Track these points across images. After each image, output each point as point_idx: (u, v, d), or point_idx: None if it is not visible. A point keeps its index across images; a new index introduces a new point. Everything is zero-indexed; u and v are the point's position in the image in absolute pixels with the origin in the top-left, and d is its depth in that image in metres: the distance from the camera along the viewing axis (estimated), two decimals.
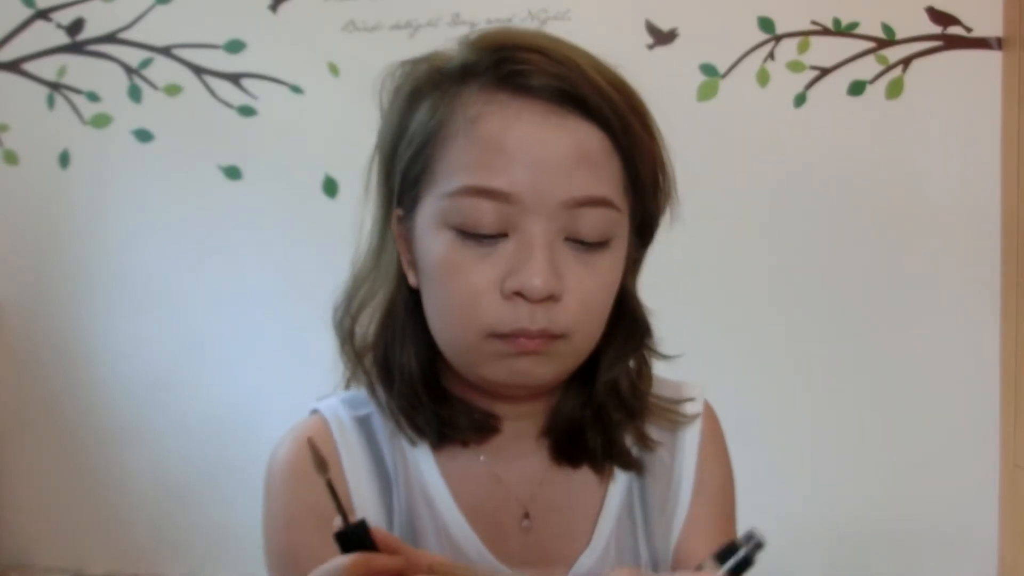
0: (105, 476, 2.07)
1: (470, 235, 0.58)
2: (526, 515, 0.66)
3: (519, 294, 0.57)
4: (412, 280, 0.63)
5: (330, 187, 1.95)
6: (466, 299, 0.58)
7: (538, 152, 0.57)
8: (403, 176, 0.62)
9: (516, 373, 0.60)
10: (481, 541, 0.64)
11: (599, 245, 0.60)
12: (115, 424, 2.06)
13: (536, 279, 0.56)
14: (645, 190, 0.62)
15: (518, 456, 0.67)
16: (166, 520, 2.07)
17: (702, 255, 1.78)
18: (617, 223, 0.60)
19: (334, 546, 0.49)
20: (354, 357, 0.66)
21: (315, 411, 0.68)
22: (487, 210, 0.57)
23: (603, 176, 0.59)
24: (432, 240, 0.60)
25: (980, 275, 1.80)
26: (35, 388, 2.09)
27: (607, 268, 0.61)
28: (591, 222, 0.59)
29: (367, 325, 0.65)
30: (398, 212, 0.63)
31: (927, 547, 1.84)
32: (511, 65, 0.58)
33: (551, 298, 0.58)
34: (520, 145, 0.57)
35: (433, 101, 0.61)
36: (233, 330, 2.02)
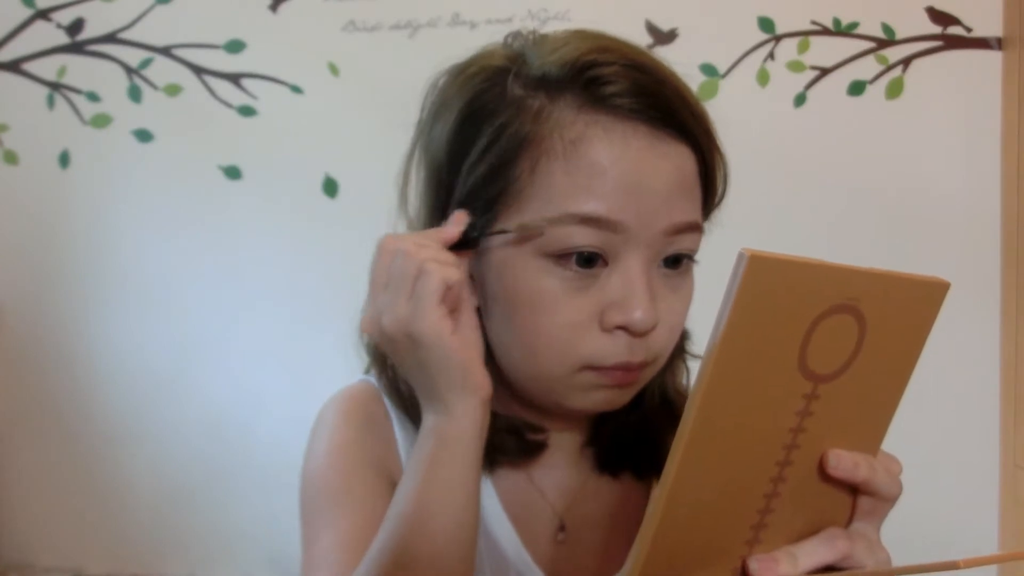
0: (105, 476, 2.07)
1: (567, 265, 0.55)
2: (562, 527, 0.65)
3: (622, 327, 0.55)
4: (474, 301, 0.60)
5: (330, 187, 1.95)
6: (563, 332, 0.56)
7: (646, 181, 0.55)
8: (472, 194, 0.57)
9: (604, 403, 0.59)
10: (520, 539, 0.63)
11: (684, 267, 0.59)
12: (115, 424, 2.06)
13: (641, 313, 0.55)
14: (714, 206, 0.63)
15: (557, 467, 0.66)
16: (166, 520, 2.06)
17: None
18: (698, 242, 0.60)
19: (366, 481, 0.57)
20: (390, 384, 0.64)
21: (363, 380, 0.68)
22: (590, 239, 0.54)
23: (695, 199, 0.59)
24: (519, 268, 0.56)
25: (980, 275, 1.80)
26: (35, 388, 2.09)
27: (689, 288, 0.61)
28: (682, 246, 0.58)
29: None
30: None
31: (927, 547, 1.84)
32: (611, 85, 0.55)
33: (651, 329, 0.56)
34: (628, 173, 0.54)
35: (509, 115, 0.56)
36: (233, 330, 2.02)
